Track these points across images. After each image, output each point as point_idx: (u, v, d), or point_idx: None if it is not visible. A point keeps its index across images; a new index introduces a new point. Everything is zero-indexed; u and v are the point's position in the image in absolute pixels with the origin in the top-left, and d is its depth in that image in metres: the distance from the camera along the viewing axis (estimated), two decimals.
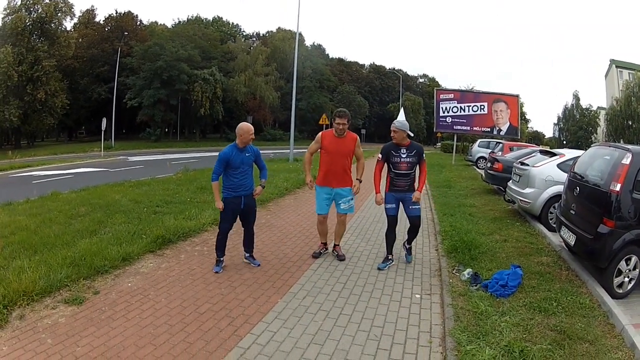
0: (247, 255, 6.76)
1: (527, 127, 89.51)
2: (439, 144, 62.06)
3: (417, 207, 6.64)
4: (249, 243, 6.75)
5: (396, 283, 6.11)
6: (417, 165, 6.73)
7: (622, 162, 5.97)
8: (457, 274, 6.43)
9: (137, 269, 6.28)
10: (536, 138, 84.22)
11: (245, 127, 6.37)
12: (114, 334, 4.46)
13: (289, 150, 28.81)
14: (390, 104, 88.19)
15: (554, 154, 10.56)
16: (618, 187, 5.75)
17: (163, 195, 12.08)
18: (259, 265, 6.61)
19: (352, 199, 6.91)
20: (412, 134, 6.73)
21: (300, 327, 4.70)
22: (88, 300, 5.22)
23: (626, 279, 5.90)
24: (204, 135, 71.95)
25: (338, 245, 7.22)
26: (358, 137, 7.00)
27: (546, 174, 9.57)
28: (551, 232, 8.59)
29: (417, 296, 5.66)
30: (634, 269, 5.88)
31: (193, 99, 59.61)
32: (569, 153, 9.94)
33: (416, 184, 6.77)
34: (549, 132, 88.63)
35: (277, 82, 71.71)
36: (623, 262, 5.81)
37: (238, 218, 6.56)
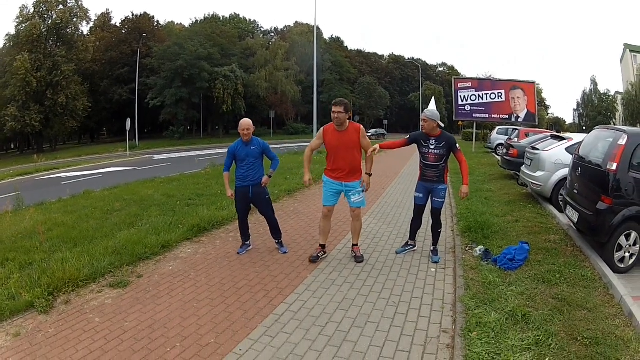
0: (276, 242, 7.16)
1: (548, 114, 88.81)
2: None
3: (441, 200, 6.63)
4: (274, 231, 7.11)
5: (414, 259, 6.63)
6: (447, 157, 6.56)
7: (619, 142, 6.36)
8: (470, 250, 6.97)
9: (177, 255, 6.86)
10: (557, 124, 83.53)
11: (241, 123, 6.73)
12: (159, 309, 5.02)
13: None
14: (411, 93, 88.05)
15: (563, 138, 10.96)
16: (614, 167, 6.13)
17: (194, 189, 12.62)
18: (285, 252, 6.94)
19: (363, 190, 6.55)
20: (442, 125, 6.51)
21: (327, 296, 5.32)
22: (132, 283, 5.77)
23: (627, 254, 6.19)
24: (227, 131, 72.38)
25: (357, 245, 6.86)
26: (362, 127, 6.54)
27: (555, 158, 9.93)
28: (561, 213, 8.82)
29: (433, 270, 6.19)
30: (635, 244, 6.19)
31: (215, 96, 59.98)
32: (576, 137, 10.22)
33: (447, 176, 6.84)
34: (569, 118, 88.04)
35: (298, 76, 71.88)
36: (623, 238, 6.13)
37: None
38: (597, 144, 7.33)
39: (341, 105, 6.13)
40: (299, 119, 76.42)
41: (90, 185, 15.87)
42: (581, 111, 72.69)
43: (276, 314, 4.88)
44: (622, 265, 6.19)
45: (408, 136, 6.81)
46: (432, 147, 6.47)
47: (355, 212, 6.58)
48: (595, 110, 68.12)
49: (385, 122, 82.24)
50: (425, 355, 4.02)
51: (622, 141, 6.34)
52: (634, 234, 6.17)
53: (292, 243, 7.42)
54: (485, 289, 5.38)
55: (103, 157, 37.28)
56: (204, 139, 63.34)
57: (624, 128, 6.86)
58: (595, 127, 8.50)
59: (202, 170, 18.21)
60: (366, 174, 6.50)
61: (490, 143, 29.44)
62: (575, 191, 7.38)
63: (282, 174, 15.26)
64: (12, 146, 72.43)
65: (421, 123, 6.55)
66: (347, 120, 6.30)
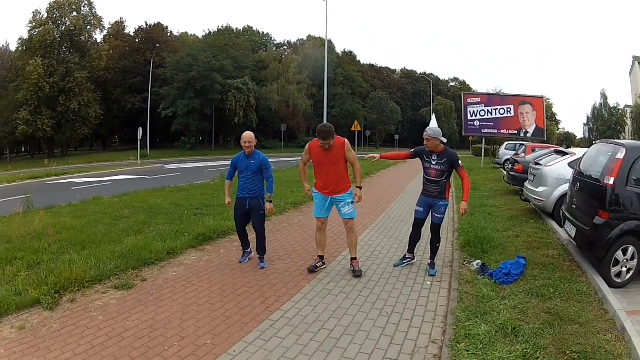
0: (258, 257, 7.10)
1: (558, 129, 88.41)
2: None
3: (440, 216, 6.70)
4: (259, 246, 7.06)
5: (411, 272, 6.75)
6: (449, 174, 6.63)
7: (617, 157, 6.41)
8: (467, 265, 7.07)
9: (181, 261, 7.05)
10: (567, 139, 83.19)
11: (243, 136, 6.83)
12: (161, 311, 5.21)
13: None
14: (422, 108, 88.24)
15: (566, 154, 11.04)
16: (612, 181, 6.19)
17: (202, 199, 12.79)
18: (264, 267, 6.90)
19: (352, 202, 6.61)
20: (445, 140, 6.64)
21: (322, 305, 5.46)
22: (137, 286, 5.99)
23: (624, 269, 6.18)
24: (238, 143, 72.16)
25: (355, 259, 6.81)
26: (347, 141, 6.56)
27: (557, 173, 10.00)
28: (562, 228, 8.77)
29: (428, 283, 6.29)
30: (632, 259, 6.19)
31: (227, 108, 60.31)
32: (579, 152, 10.24)
33: (450, 193, 7.02)
34: (580, 132, 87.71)
35: (310, 89, 72.28)
36: (620, 252, 6.14)
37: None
38: (597, 158, 7.35)
39: (329, 137, 6.23)
40: (310, 132, 76.55)
41: (100, 191, 16.01)
42: (591, 125, 72.26)
43: (271, 320, 5.02)
44: (619, 280, 6.20)
45: (413, 150, 6.93)
46: (434, 162, 6.57)
47: (348, 224, 6.66)
48: (605, 124, 67.60)
49: (397, 137, 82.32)
50: None
51: (620, 155, 6.38)
52: (631, 249, 6.18)
53: (293, 254, 7.58)
54: (478, 302, 5.47)
55: (114, 165, 37.60)
56: (215, 150, 63.56)
57: (623, 142, 6.90)
58: (596, 142, 8.56)
59: (211, 181, 18.40)
60: (357, 187, 6.59)
61: (498, 158, 29.52)
62: (574, 206, 7.45)
63: (289, 187, 15.45)
64: (23, 149, 73.23)
65: (425, 142, 6.62)
66: (333, 140, 6.36)
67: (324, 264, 6.93)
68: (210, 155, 52.13)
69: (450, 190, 6.88)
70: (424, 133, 6.59)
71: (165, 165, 36.90)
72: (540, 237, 8.73)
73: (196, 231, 8.38)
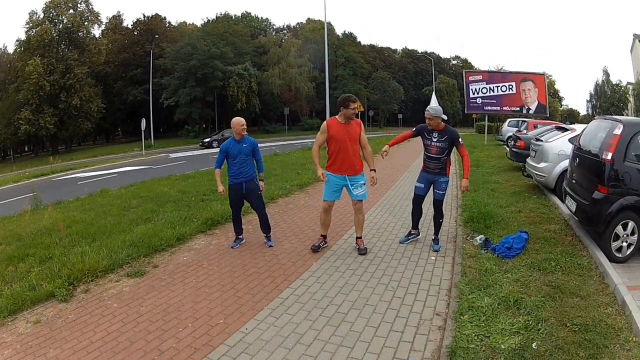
0: (265, 236, 7.35)
1: (561, 105, 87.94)
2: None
3: (442, 192, 6.78)
4: (263, 225, 7.29)
5: (416, 248, 6.90)
6: (449, 151, 6.73)
7: (614, 132, 6.47)
8: (470, 240, 7.22)
9: (191, 246, 7.23)
10: (571, 116, 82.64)
11: (235, 120, 7.04)
12: (173, 295, 5.39)
13: None
14: (425, 87, 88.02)
15: (566, 130, 11.14)
16: (609, 156, 6.25)
17: (208, 185, 12.93)
18: (271, 246, 7.16)
19: (364, 183, 6.70)
20: (445, 118, 6.73)
21: (330, 282, 5.65)
22: (149, 273, 6.17)
23: (624, 244, 6.23)
24: None
25: (360, 238, 6.98)
26: (362, 122, 6.82)
27: (558, 149, 10.07)
28: (564, 203, 8.79)
29: (433, 258, 6.45)
30: (632, 234, 6.25)
31: (229, 95, 60.67)
32: (579, 128, 10.18)
33: (450, 169, 7.07)
34: (583, 109, 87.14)
35: (311, 72, 72.34)
36: (620, 227, 6.20)
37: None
38: (595, 134, 7.39)
39: (356, 101, 6.47)
40: (313, 114, 76.70)
41: (106, 184, 16.20)
42: (594, 102, 71.69)
43: (281, 298, 5.22)
44: (620, 255, 6.25)
45: (414, 128, 7.00)
46: (434, 140, 6.66)
47: (357, 205, 6.75)
48: (607, 101, 67.01)
49: (400, 116, 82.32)
50: (417, 336, 4.30)
51: (618, 131, 6.43)
52: (631, 224, 6.22)
53: (300, 234, 7.74)
54: (481, 276, 5.63)
55: (119, 157, 37.86)
56: None
57: (620, 118, 6.97)
58: (595, 118, 8.62)
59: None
60: (371, 170, 6.66)
61: (501, 135, 29.52)
62: (574, 181, 7.54)
63: (295, 169, 15.62)
64: (26, 149, 73.53)
65: (427, 121, 6.70)
66: None
67: (326, 242, 7.08)
68: None
69: (451, 167, 6.92)
70: (425, 112, 6.67)
71: (170, 154, 37.10)
72: (542, 212, 8.84)
73: (204, 216, 8.56)
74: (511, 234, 7.03)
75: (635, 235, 6.25)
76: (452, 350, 3.94)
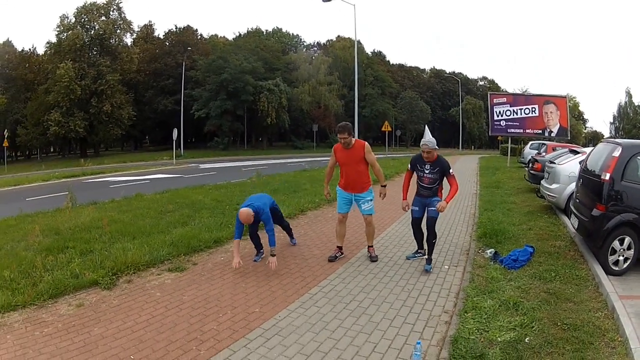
0: (289, 237, 8.33)
1: (585, 128, 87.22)
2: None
3: (434, 209, 6.92)
4: (287, 231, 8.24)
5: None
6: (440, 181, 7.07)
7: (613, 154, 7.13)
8: (481, 252, 7.91)
9: (227, 249, 7.89)
10: (595, 138, 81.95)
11: (243, 215, 6.68)
12: (213, 288, 6.11)
13: None
14: (452, 108, 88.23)
15: (578, 152, 11.72)
16: (608, 176, 6.89)
17: (241, 195, 13.42)
18: (295, 243, 8.25)
19: (371, 200, 7.31)
20: (437, 148, 7.01)
21: (353, 282, 6.41)
22: (189, 269, 6.85)
23: (621, 258, 6.77)
24: (270, 143, 73.88)
25: (371, 246, 7.61)
26: (367, 144, 7.26)
27: (569, 171, 10.59)
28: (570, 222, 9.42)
29: (446, 267, 7.13)
30: (629, 248, 6.82)
31: (259, 109, 61.38)
32: (589, 151, 10.79)
33: (441, 193, 7.27)
34: (607, 131, 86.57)
35: (340, 90, 72.91)
36: (617, 242, 6.79)
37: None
38: (599, 156, 7.99)
39: (345, 132, 6.99)
40: None
41: (139, 189, 16.63)
42: (617, 124, 71.17)
43: (310, 293, 5.98)
44: (617, 268, 6.82)
45: (409, 165, 7.32)
46: (427, 171, 7.04)
47: (367, 219, 7.40)
48: (630, 123, 66.45)
49: None
50: (426, 328, 5.03)
51: (617, 153, 7.09)
52: (627, 239, 6.80)
53: (328, 243, 8.35)
54: (487, 282, 6.36)
55: (149, 164, 38.48)
56: (247, 150, 64.71)
57: (620, 140, 7.61)
58: (601, 140, 9.22)
59: (248, 180, 19.20)
60: (381, 186, 7.34)
61: (523, 157, 29.83)
62: (577, 200, 8.21)
63: (320, 184, 16.24)
64: (52, 149, 75.11)
65: (424, 154, 6.99)
66: (353, 139, 7.14)
67: (342, 253, 7.61)
68: (243, 155, 53.27)
69: (442, 191, 7.44)
70: (422, 145, 6.98)
71: (200, 165, 37.75)
72: (551, 230, 9.47)
73: None
74: (518, 248, 7.69)
75: (632, 250, 6.81)
76: (455, 339, 4.65)
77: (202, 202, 12.47)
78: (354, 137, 7.24)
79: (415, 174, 7.28)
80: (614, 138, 67.61)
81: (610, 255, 6.84)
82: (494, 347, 4.55)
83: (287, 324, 5.08)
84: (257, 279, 6.46)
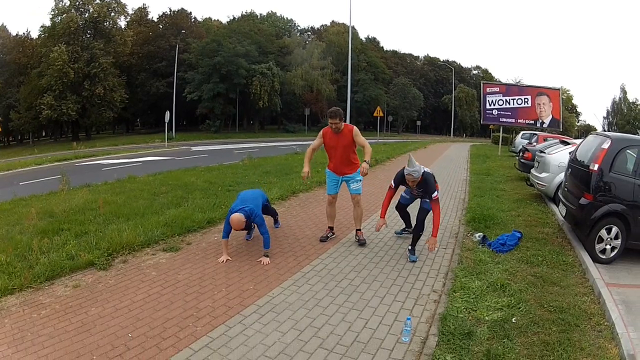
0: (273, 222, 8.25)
1: (578, 121, 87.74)
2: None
3: (428, 202, 6.81)
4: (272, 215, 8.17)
5: (421, 241, 7.43)
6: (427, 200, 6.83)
7: (602, 146, 7.31)
8: (470, 236, 8.07)
9: (220, 229, 7.66)
10: (588, 132, 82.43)
11: (234, 221, 6.38)
12: (207, 267, 6.20)
13: None
14: (444, 95, 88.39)
15: (568, 143, 11.89)
16: (596, 167, 7.09)
17: (233, 177, 13.80)
18: (278, 227, 8.23)
19: (360, 180, 7.36)
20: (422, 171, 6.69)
21: (345, 262, 6.57)
22: (183, 249, 6.91)
23: (608, 247, 7.02)
24: (262, 126, 73.95)
25: (360, 230, 7.62)
26: (355, 128, 7.26)
27: (559, 160, 10.77)
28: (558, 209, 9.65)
29: (436, 249, 7.22)
30: (616, 238, 7.02)
31: (252, 92, 61.35)
32: (579, 142, 10.99)
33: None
34: (600, 125, 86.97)
35: (333, 75, 73.01)
36: (604, 231, 7.00)
37: None
38: (588, 147, 8.17)
39: (336, 117, 7.01)
40: None
41: (131, 172, 16.63)
42: (610, 119, 71.63)
43: (303, 272, 6.11)
44: (604, 257, 7.04)
45: (392, 182, 6.99)
46: (413, 190, 7.14)
47: (355, 198, 7.45)
48: (624, 118, 66.93)
49: (419, 123, 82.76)
50: (416, 306, 5.18)
51: (606, 145, 7.27)
52: (615, 229, 7.00)
53: (319, 224, 8.46)
54: (475, 265, 6.52)
55: (141, 147, 38.34)
56: (239, 133, 64.61)
57: (610, 134, 7.79)
58: (592, 132, 9.39)
59: (240, 162, 19.34)
60: (364, 161, 6.89)
61: (514, 147, 30.08)
62: (566, 189, 8.38)
63: (315, 167, 16.29)
64: (43, 133, 74.64)
65: (410, 184, 6.79)
66: (342, 124, 7.16)
67: (333, 234, 7.78)
68: (235, 138, 53.26)
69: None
70: (407, 174, 6.60)
71: (192, 148, 37.83)
72: (539, 217, 9.64)
73: (231, 204, 9.25)
74: (507, 233, 7.87)
75: (619, 240, 7.01)
76: (444, 317, 4.80)
77: (194, 184, 12.57)
78: (344, 122, 7.30)
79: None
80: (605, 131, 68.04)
81: (597, 243, 7.04)
82: (482, 325, 4.71)
83: (280, 301, 5.20)
84: (250, 259, 6.55)
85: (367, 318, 4.84)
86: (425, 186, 6.73)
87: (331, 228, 7.78)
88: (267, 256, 6.53)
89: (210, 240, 7.41)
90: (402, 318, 4.79)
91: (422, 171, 6.66)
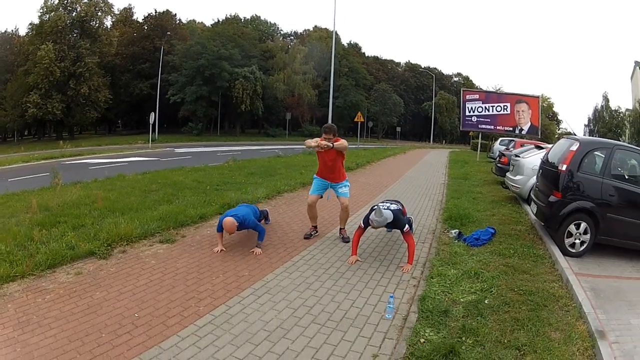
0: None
1: (559, 128, 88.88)
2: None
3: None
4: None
5: (400, 237, 7.78)
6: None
7: (571, 148, 7.91)
8: (446, 232, 8.64)
9: (212, 224, 8.30)
10: None
11: (226, 225, 6.78)
12: (203, 257, 6.63)
13: None
14: (425, 102, 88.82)
15: (542, 148, 12.54)
16: (564, 167, 7.68)
17: (220, 178, 14.18)
18: (268, 222, 8.65)
19: (347, 187, 7.82)
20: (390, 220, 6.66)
21: (331, 252, 7.15)
22: (178, 241, 7.32)
23: (577, 241, 7.55)
24: (243, 130, 73.85)
25: (344, 229, 8.03)
26: (341, 140, 7.62)
27: (533, 164, 11.27)
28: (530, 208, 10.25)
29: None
30: (585, 233, 7.56)
31: (234, 96, 61.42)
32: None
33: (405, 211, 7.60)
34: (581, 133, 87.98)
35: (315, 80, 73.32)
36: (572, 226, 7.55)
37: None
38: (558, 149, 8.77)
39: (331, 132, 7.45)
40: (314, 121, 77.54)
41: (118, 171, 16.81)
42: (592, 127, 72.54)
43: (293, 261, 6.64)
44: (573, 250, 7.59)
45: (362, 223, 6.86)
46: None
47: (344, 202, 7.74)
48: (605, 126, 67.73)
49: (399, 129, 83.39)
50: (397, 289, 5.73)
51: (574, 147, 7.87)
52: (583, 224, 7.55)
53: (306, 220, 8.59)
54: (451, 256, 7.10)
55: (125, 148, 38.35)
56: (220, 136, 64.58)
57: (579, 137, 8.42)
58: (563, 136, 10.01)
59: (225, 163, 19.60)
60: (332, 142, 7.41)
61: (492, 153, 30.76)
62: (537, 188, 8.99)
63: (298, 170, 16.87)
64: (26, 132, 73.90)
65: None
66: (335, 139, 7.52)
67: (317, 231, 8.15)
68: (217, 141, 53.31)
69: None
70: (371, 222, 6.59)
71: (175, 149, 37.90)
72: (513, 217, 10.25)
73: (221, 201, 9.73)
74: (481, 229, 8.45)
75: (588, 235, 7.57)
76: (423, 298, 5.36)
77: (183, 183, 12.91)
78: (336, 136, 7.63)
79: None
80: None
81: (567, 237, 7.61)
82: (457, 305, 5.26)
83: (274, 285, 5.71)
84: (243, 250, 6.99)
85: (353, 299, 5.37)
86: (394, 224, 6.77)
87: (315, 227, 8.17)
88: (259, 247, 6.96)
89: (203, 234, 7.80)
90: (385, 299, 5.30)
91: (392, 217, 6.65)
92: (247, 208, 7.44)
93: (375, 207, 6.71)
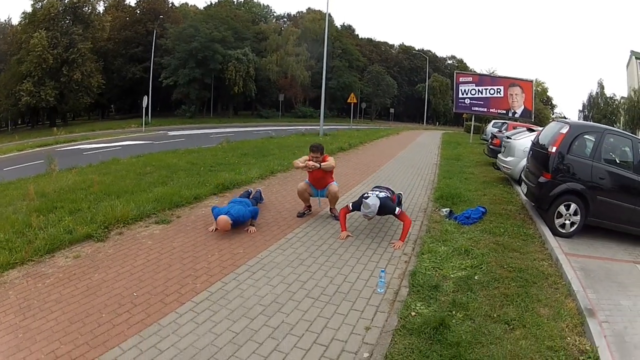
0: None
1: (553, 113, 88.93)
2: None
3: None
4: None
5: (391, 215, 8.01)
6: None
7: (561, 131, 8.03)
8: (438, 211, 8.76)
9: (206, 204, 8.45)
10: None
11: (220, 224, 6.79)
12: (198, 236, 6.75)
13: (319, 127, 30.21)
14: (418, 84, 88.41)
15: (534, 130, 12.66)
16: (554, 149, 7.79)
17: (213, 159, 14.23)
18: (262, 202, 8.71)
19: (335, 184, 7.95)
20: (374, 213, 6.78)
21: (323, 230, 7.30)
22: (174, 222, 7.41)
23: (567, 222, 7.70)
24: (236, 112, 73.46)
25: (334, 208, 8.14)
26: (328, 156, 7.90)
27: (524, 145, 11.33)
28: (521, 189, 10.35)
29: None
30: (575, 214, 7.70)
31: (227, 78, 61.21)
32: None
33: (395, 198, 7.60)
34: (576, 118, 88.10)
35: (308, 61, 72.76)
36: (562, 207, 7.69)
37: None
38: (549, 132, 8.88)
39: (317, 152, 7.60)
40: (307, 102, 77.36)
41: (112, 155, 16.91)
42: (586, 113, 72.68)
43: (286, 238, 6.79)
44: (563, 231, 7.73)
45: (350, 205, 7.10)
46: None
47: (332, 190, 7.83)
48: (600, 113, 67.86)
49: (392, 110, 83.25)
50: (389, 265, 5.88)
51: (564, 130, 7.99)
52: (573, 205, 7.69)
53: (298, 199, 8.62)
54: (442, 234, 7.24)
55: (118, 132, 38.33)
56: (213, 118, 64.28)
57: (569, 120, 8.53)
58: (553, 119, 10.14)
59: (219, 145, 19.70)
60: (321, 165, 7.61)
61: (485, 135, 30.84)
62: (528, 169, 9.12)
63: (291, 150, 16.94)
64: (20, 121, 73.52)
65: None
66: (322, 157, 7.68)
67: (310, 210, 8.29)
68: (210, 123, 53.19)
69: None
70: (364, 215, 6.82)
71: (169, 132, 37.93)
72: (504, 197, 10.40)
73: (215, 182, 9.81)
74: (472, 208, 8.59)
75: (578, 216, 7.70)
76: (414, 273, 5.50)
77: (177, 165, 12.97)
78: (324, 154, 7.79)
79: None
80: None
81: (557, 218, 7.75)
82: (448, 281, 5.40)
83: (269, 261, 5.84)
84: (237, 230, 7.01)
85: (346, 274, 5.51)
86: (383, 210, 6.87)
87: (308, 206, 8.29)
88: (253, 225, 7.10)
89: (198, 214, 7.90)
90: (377, 274, 5.44)
91: (378, 204, 6.73)
92: (239, 205, 7.26)
93: (363, 200, 6.84)
